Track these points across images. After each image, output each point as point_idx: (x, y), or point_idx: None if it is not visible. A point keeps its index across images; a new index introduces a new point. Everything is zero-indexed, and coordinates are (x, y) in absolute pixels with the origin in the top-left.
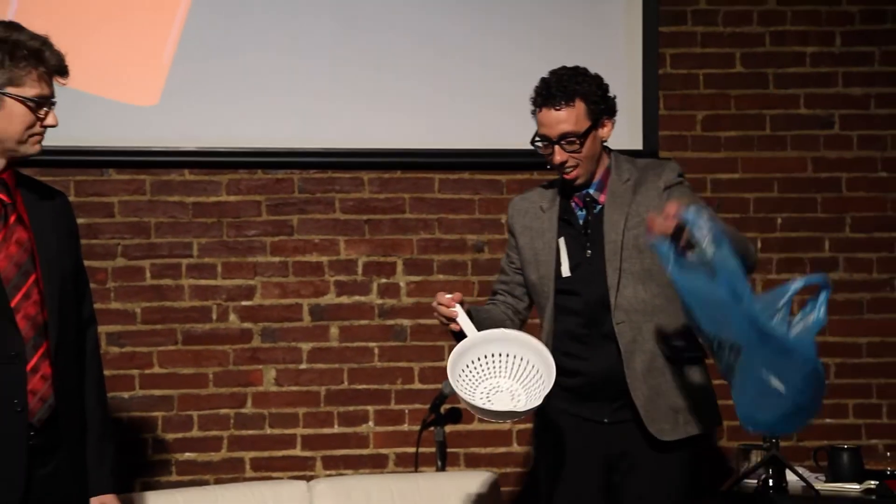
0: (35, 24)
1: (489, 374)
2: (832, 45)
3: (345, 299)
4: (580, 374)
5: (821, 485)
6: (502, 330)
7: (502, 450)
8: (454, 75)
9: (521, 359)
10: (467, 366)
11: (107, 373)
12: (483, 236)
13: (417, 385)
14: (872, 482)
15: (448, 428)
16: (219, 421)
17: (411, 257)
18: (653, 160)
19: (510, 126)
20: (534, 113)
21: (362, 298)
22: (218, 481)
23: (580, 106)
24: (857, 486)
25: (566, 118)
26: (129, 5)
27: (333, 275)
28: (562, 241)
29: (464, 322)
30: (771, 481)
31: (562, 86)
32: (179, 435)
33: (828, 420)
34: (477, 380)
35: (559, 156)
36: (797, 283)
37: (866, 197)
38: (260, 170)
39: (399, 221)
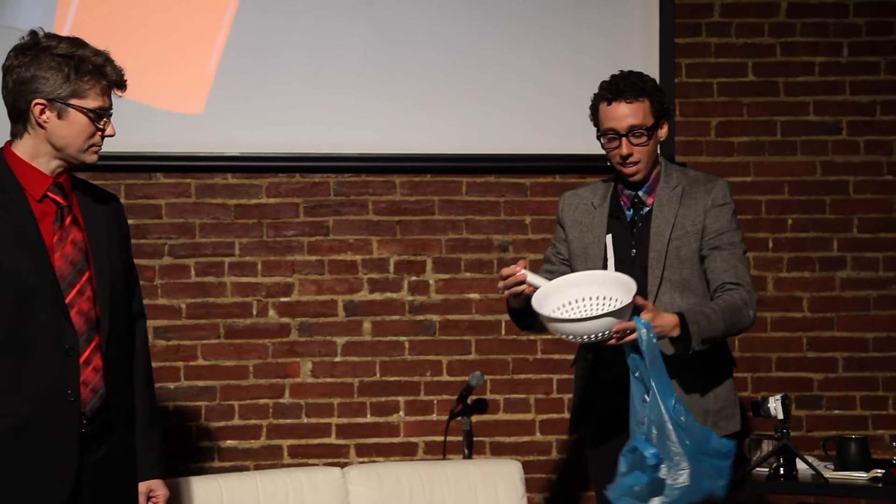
0: (88, 38)
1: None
2: (840, 55)
3: (377, 296)
4: (617, 367)
5: (829, 473)
6: (582, 273)
7: (526, 439)
8: (481, 85)
9: (606, 297)
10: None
11: (154, 365)
12: (508, 236)
13: (445, 377)
14: (879, 470)
15: (474, 418)
16: (258, 410)
17: (440, 256)
18: (705, 174)
19: (533, 132)
20: (594, 109)
21: (393, 295)
22: (257, 467)
23: (646, 102)
24: (865, 475)
25: (635, 112)
26: (177, 22)
27: (366, 273)
28: (609, 238)
29: (533, 278)
30: (782, 469)
31: (631, 82)
32: (221, 423)
33: (836, 411)
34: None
35: (626, 148)
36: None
37: (872, 199)
38: (298, 174)
39: (428, 222)
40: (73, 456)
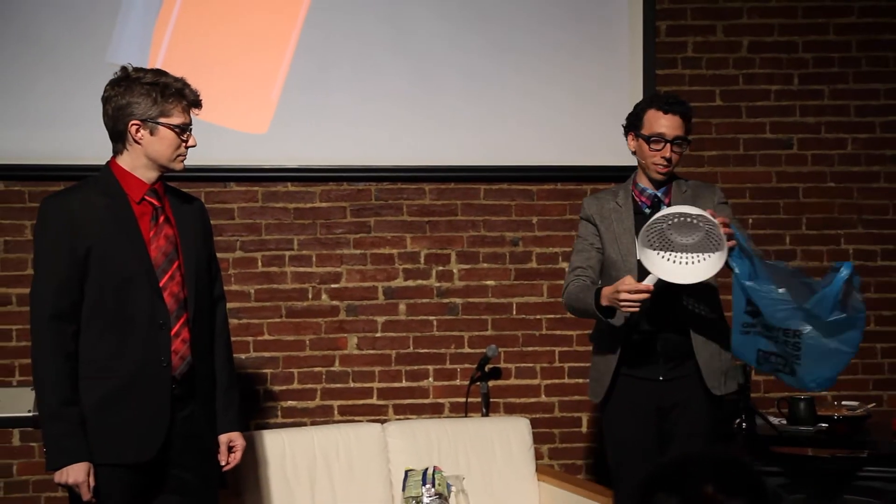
0: (175, 71)
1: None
2: (791, 84)
3: (410, 283)
4: (648, 335)
5: (783, 427)
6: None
7: (533, 400)
8: (497, 108)
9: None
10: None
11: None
12: (518, 233)
13: (467, 350)
14: (823, 424)
15: (491, 383)
16: (313, 377)
17: (462, 250)
18: (702, 182)
19: (540, 148)
20: (641, 114)
21: (424, 282)
22: (313, 423)
23: (685, 122)
24: (812, 428)
25: (681, 126)
26: (246, 58)
27: (402, 264)
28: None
29: (649, 280)
30: (745, 424)
31: (681, 102)
32: (284, 387)
33: None
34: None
35: (669, 152)
36: (841, 276)
37: (818, 202)
38: (345, 182)
39: (453, 222)
40: (166, 412)
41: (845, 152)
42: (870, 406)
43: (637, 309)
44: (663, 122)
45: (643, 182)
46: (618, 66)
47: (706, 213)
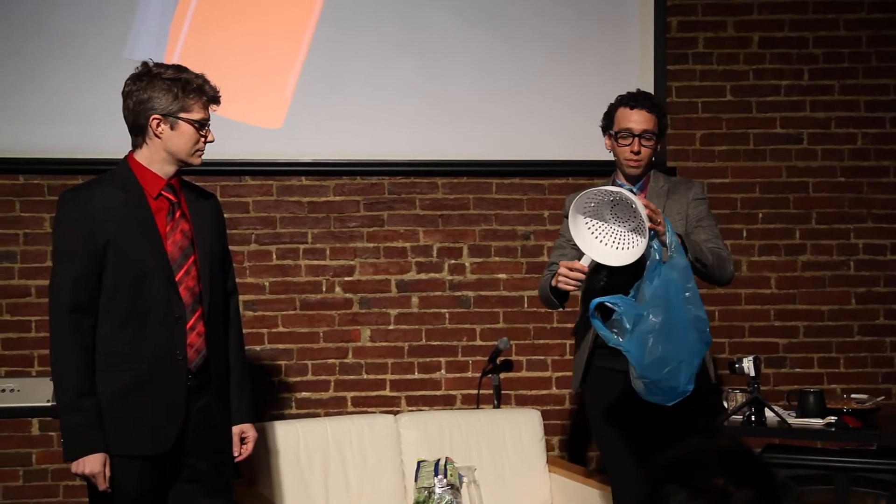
0: (192, 67)
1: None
2: (801, 79)
3: (423, 276)
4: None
5: (792, 420)
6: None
7: (544, 392)
8: (508, 103)
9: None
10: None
11: (244, 331)
12: (529, 227)
13: (478, 342)
14: (832, 417)
15: (502, 375)
16: (327, 368)
17: (474, 243)
18: (684, 179)
19: (551, 142)
20: (612, 112)
21: (436, 275)
22: (327, 414)
23: (656, 117)
24: (821, 421)
25: (648, 120)
26: (260, 54)
27: (414, 257)
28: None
29: (584, 260)
30: (753, 417)
31: (649, 97)
32: (298, 379)
33: (797, 370)
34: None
35: (637, 146)
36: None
37: (828, 197)
38: (359, 176)
39: (465, 216)
40: (181, 404)
41: (855, 147)
42: (879, 399)
43: (573, 287)
44: (631, 118)
45: (620, 179)
46: (629, 62)
47: (634, 197)
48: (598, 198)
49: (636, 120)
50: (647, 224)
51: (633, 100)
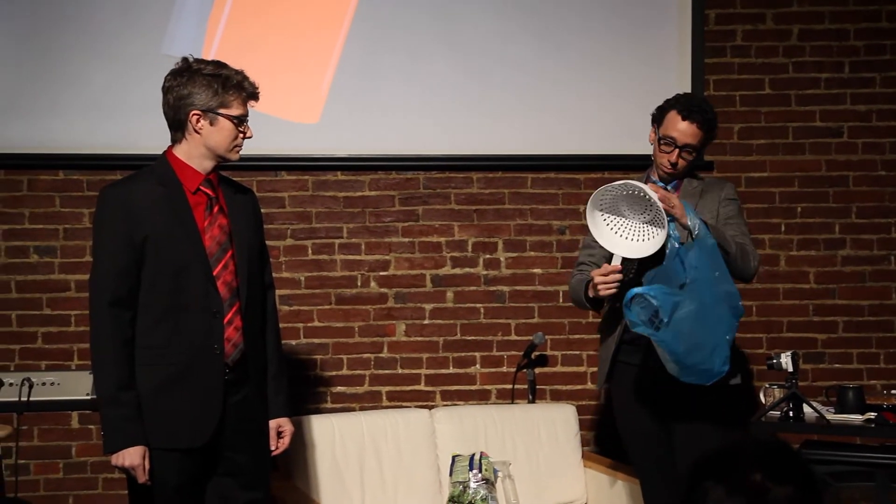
0: (229, 62)
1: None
2: (842, 72)
3: (458, 271)
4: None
5: (831, 416)
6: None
7: (579, 387)
8: (545, 98)
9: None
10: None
11: (280, 325)
12: (565, 222)
13: (513, 337)
14: (872, 413)
15: (537, 370)
16: (362, 363)
17: (509, 238)
18: (717, 179)
19: (587, 136)
20: (663, 113)
21: (471, 270)
22: (362, 408)
23: (703, 133)
24: (860, 417)
25: (695, 135)
26: (297, 50)
27: (449, 252)
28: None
29: (615, 261)
30: (791, 413)
31: (703, 111)
32: (333, 373)
33: (836, 365)
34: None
35: (676, 157)
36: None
37: (868, 191)
38: (394, 171)
39: (500, 211)
40: (219, 397)
41: None
42: None
43: (614, 290)
44: (678, 126)
45: (654, 175)
46: (667, 55)
47: (645, 187)
48: (611, 193)
49: (683, 131)
50: (662, 207)
51: (687, 110)
